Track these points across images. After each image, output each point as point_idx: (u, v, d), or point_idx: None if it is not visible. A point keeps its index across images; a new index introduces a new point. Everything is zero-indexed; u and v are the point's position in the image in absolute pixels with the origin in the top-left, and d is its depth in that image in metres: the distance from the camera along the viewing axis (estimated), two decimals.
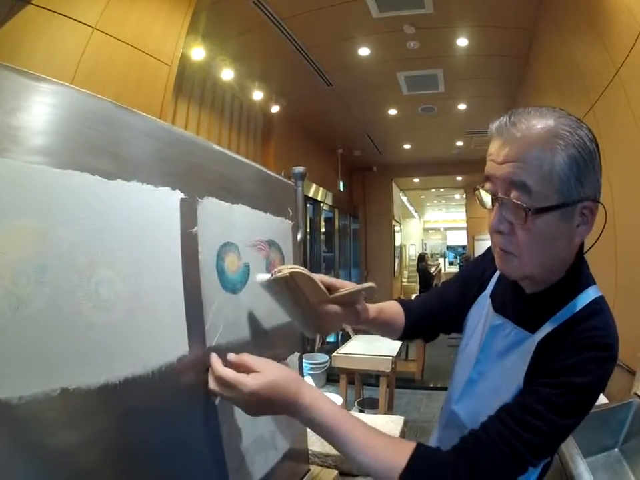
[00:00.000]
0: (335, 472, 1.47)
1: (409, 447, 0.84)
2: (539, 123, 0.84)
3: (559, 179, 0.83)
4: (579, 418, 0.87)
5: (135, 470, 0.74)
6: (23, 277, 0.58)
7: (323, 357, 5.17)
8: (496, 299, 1.11)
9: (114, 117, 0.74)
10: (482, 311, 1.13)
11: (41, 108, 0.63)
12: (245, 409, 0.86)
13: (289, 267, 0.94)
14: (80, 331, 0.64)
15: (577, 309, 0.90)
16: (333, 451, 1.57)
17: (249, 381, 0.83)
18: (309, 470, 1.38)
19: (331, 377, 5.14)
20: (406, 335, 1.28)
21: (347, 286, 1.05)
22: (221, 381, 0.86)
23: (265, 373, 0.85)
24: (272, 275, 0.95)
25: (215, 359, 0.89)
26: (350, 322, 1.11)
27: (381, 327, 1.24)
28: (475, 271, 1.24)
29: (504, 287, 1.09)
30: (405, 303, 1.31)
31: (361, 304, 1.10)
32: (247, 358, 0.89)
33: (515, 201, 0.85)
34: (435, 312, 1.27)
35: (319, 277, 1.00)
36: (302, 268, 0.96)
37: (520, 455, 0.81)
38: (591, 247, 1.00)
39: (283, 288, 0.96)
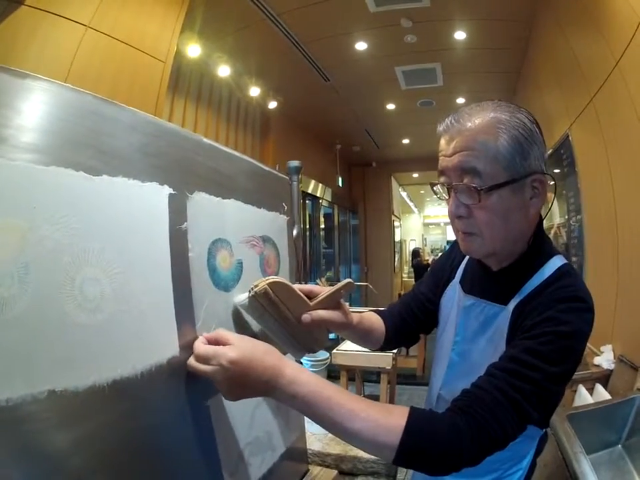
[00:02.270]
0: (335, 472, 1.45)
1: (403, 410, 0.83)
2: (480, 115, 0.93)
3: (504, 158, 0.91)
4: (567, 365, 0.88)
5: (125, 474, 0.72)
6: (6, 277, 0.56)
7: (324, 354, 5.13)
8: (465, 283, 1.16)
9: (97, 110, 0.72)
10: (453, 298, 1.18)
11: (22, 104, 0.62)
12: (223, 388, 0.81)
13: (265, 280, 0.92)
14: (65, 332, 0.62)
15: (545, 277, 0.95)
16: (333, 450, 1.57)
17: (227, 351, 0.79)
18: (308, 470, 1.37)
19: (331, 374, 5.12)
20: (388, 343, 1.29)
21: (324, 290, 1.04)
22: (199, 357, 0.82)
23: (241, 344, 0.82)
24: (250, 292, 0.92)
25: (199, 340, 0.86)
26: (336, 327, 1.10)
27: (362, 335, 1.24)
28: (443, 263, 1.29)
29: (471, 271, 1.15)
30: (381, 312, 1.33)
31: (343, 308, 1.09)
32: (223, 332, 0.86)
33: (468, 184, 0.92)
34: (413, 312, 1.29)
35: (296, 287, 0.99)
36: (279, 277, 0.94)
37: (516, 402, 0.82)
38: (546, 215, 1.09)
39: (264, 304, 0.94)
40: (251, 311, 0.97)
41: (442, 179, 1.00)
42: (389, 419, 0.80)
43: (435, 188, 1.05)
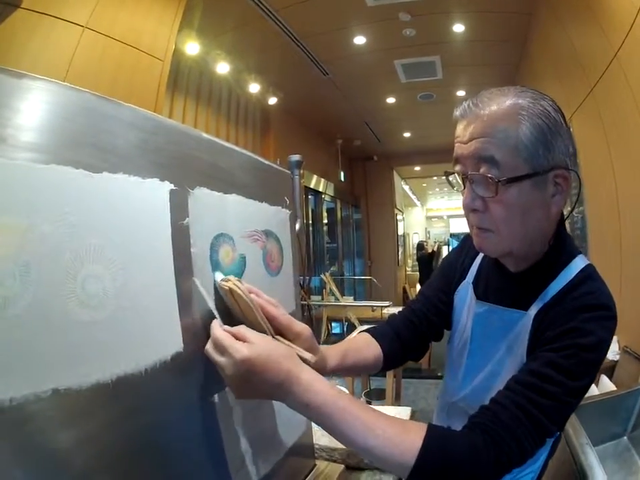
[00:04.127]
0: (342, 466, 1.44)
1: (420, 427, 0.79)
2: (501, 99, 0.87)
3: (525, 148, 0.84)
4: (588, 378, 0.84)
5: (131, 472, 0.71)
6: (8, 276, 0.55)
7: None
8: (478, 286, 1.09)
9: (95, 108, 0.71)
10: (465, 300, 1.11)
11: (20, 103, 0.61)
12: (232, 383, 0.78)
13: (236, 284, 0.85)
14: (68, 330, 0.62)
15: (568, 280, 0.90)
16: (340, 445, 1.56)
17: (242, 348, 0.75)
18: (315, 465, 1.36)
19: None
20: (390, 363, 1.17)
21: (293, 327, 0.91)
22: (215, 343, 0.79)
23: (260, 344, 0.77)
24: (219, 279, 0.89)
25: (215, 322, 0.83)
26: None
27: (348, 373, 1.14)
28: (454, 261, 1.21)
29: (486, 272, 1.08)
30: (376, 332, 1.20)
31: (315, 353, 0.94)
32: (244, 329, 0.81)
33: (484, 174, 0.85)
34: (424, 316, 1.19)
35: (264, 304, 0.88)
36: (247, 293, 0.85)
37: (535, 419, 0.79)
38: (569, 215, 1.02)
39: (225, 297, 0.90)
40: (220, 291, 0.92)
41: (457, 168, 0.93)
42: (404, 438, 0.77)
43: (450, 178, 0.98)
